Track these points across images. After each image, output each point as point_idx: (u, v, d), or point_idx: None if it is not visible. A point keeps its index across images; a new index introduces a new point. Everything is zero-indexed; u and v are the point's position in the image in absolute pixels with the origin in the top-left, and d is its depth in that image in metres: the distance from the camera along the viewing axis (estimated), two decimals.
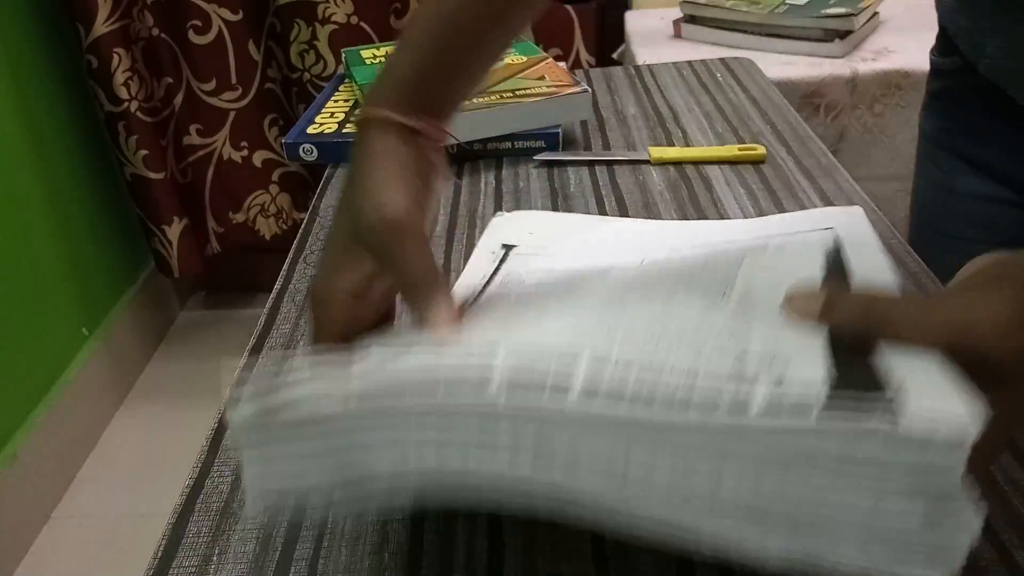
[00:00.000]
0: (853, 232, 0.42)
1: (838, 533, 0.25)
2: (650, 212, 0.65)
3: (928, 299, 0.32)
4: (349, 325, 0.39)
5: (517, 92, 0.75)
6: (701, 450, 0.26)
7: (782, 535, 0.25)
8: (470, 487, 0.29)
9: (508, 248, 0.55)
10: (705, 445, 0.26)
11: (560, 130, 0.76)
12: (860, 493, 0.25)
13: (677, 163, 0.72)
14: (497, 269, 0.52)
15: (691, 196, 0.66)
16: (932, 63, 0.69)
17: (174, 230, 1.72)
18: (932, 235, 0.69)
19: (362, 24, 1.57)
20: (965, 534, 0.24)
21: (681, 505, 0.26)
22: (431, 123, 0.42)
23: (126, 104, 1.59)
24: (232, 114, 1.68)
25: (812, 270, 0.37)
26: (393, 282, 0.40)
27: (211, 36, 1.60)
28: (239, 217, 1.77)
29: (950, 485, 0.24)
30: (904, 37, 1.36)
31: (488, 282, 0.50)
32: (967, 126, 0.66)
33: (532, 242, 0.56)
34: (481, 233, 0.59)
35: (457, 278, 0.53)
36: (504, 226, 0.59)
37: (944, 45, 0.66)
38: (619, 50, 1.60)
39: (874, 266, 0.37)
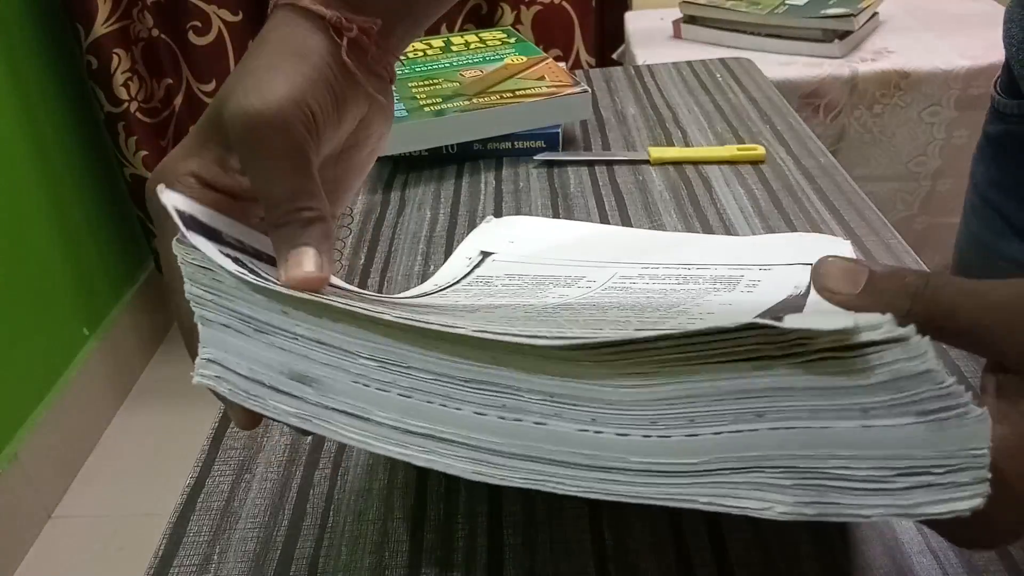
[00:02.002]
0: None
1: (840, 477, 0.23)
2: (650, 212, 0.65)
3: (981, 282, 0.27)
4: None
5: (517, 92, 0.75)
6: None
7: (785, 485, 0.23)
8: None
9: (486, 255, 0.54)
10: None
11: (560, 130, 0.76)
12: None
13: (677, 163, 0.72)
14: (468, 274, 0.51)
15: (691, 196, 0.67)
16: (993, 101, 0.59)
17: None
18: None
19: None
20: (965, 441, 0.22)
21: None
22: (357, 19, 0.34)
23: (126, 105, 1.59)
24: None
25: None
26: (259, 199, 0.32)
27: (211, 37, 1.60)
28: None
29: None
30: (904, 37, 1.36)
31: (455, 283, 0.49)
32: (1018, 182, 0.58)
33: (512, 251, 0.54)
34: None
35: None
36: (489, 232, 0.59)
37: (1009, 83, 0.57)
38: (619, 50, 1.60)
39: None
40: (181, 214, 0.30)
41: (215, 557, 0.39)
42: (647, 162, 0.73)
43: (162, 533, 0.40)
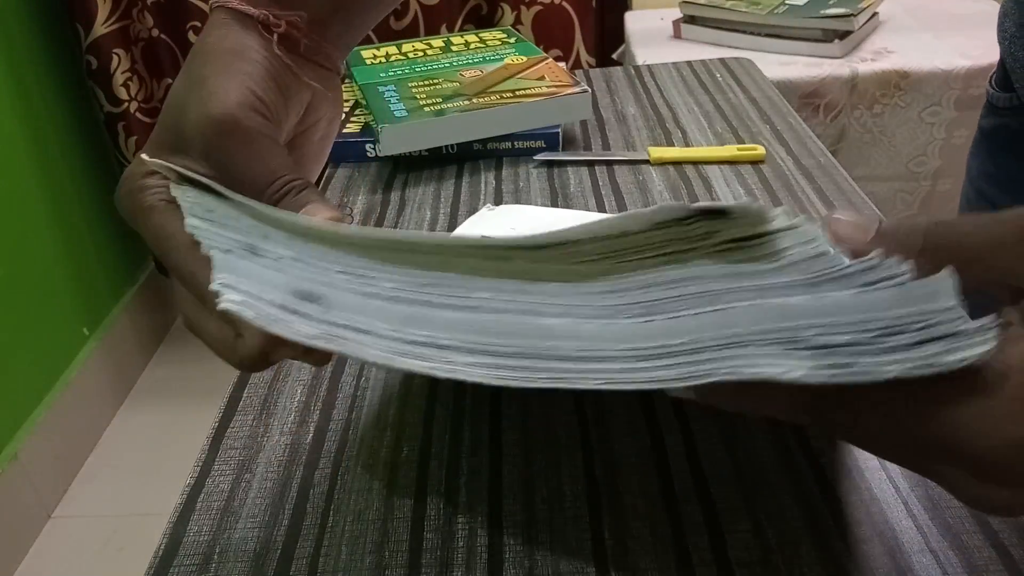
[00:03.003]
0: None
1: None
2: None
3: (986, 213, 0.28)
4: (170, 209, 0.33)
5: (517, 92, 0.75)
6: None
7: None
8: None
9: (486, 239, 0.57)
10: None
11: (560, 130, 0.76)
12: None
13: (677, 163, 0.72)
14: None
15: (691, 196, 0.67)
16: (988, 96, 0.61)
17: None
18: None
19: None
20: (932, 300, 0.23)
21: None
22: (285, 15, 0.37)
23: (126, 105, 1.59)
24: None
25: None
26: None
27: None
28: None
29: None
30: (904, 37, 1.36)
31: None
32: (1010, 176, 0.59)
33: (511, 235, 0.57)
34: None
35: None
36: (489, 219, 0.61)
37: (1003, 78, 0.59)
38: (619, 50, 1.60)
39: None
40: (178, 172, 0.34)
41: (215, 557, 0.39)
42: (647, 162, 0.73)
43: (162, 533, 0.40)
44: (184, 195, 0.33)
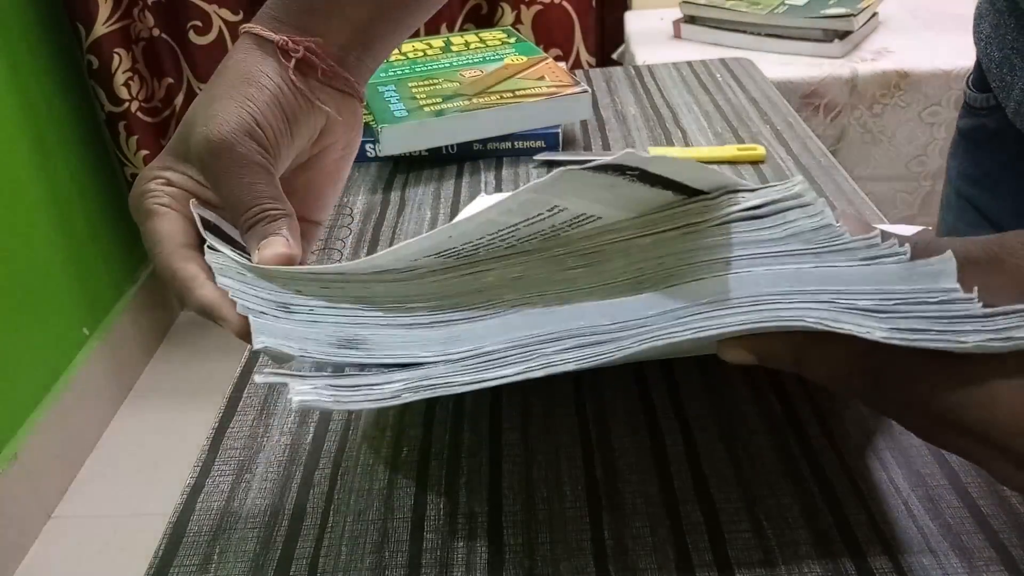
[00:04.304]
0: None
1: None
2: None
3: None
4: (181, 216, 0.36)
5: (517, 92, 0.75)
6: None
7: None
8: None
9: None
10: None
11: (560, 130, 0.76)
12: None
13: None
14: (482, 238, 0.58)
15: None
16: (965, 97, 0.62)
17: None
18: None
19: None
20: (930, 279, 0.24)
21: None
22: (304, 41, 0.38)
23: (127, 104, 1.59)
24: None
25: None
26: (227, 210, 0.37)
27: (211, 36, 1.60)
28: None
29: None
30: (904, 37, 1.36)
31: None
32: (988, 175, 0.60)
33: None
34: None
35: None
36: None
37: (979, 79, 0.59)
38: (619, 50, 1.60)
39: None
40: (203, 219, 0.36)
41: (215, 557, 0.39)
42: None
43: (162, 533, 0.40)
44: (216, 258, 0.34)
